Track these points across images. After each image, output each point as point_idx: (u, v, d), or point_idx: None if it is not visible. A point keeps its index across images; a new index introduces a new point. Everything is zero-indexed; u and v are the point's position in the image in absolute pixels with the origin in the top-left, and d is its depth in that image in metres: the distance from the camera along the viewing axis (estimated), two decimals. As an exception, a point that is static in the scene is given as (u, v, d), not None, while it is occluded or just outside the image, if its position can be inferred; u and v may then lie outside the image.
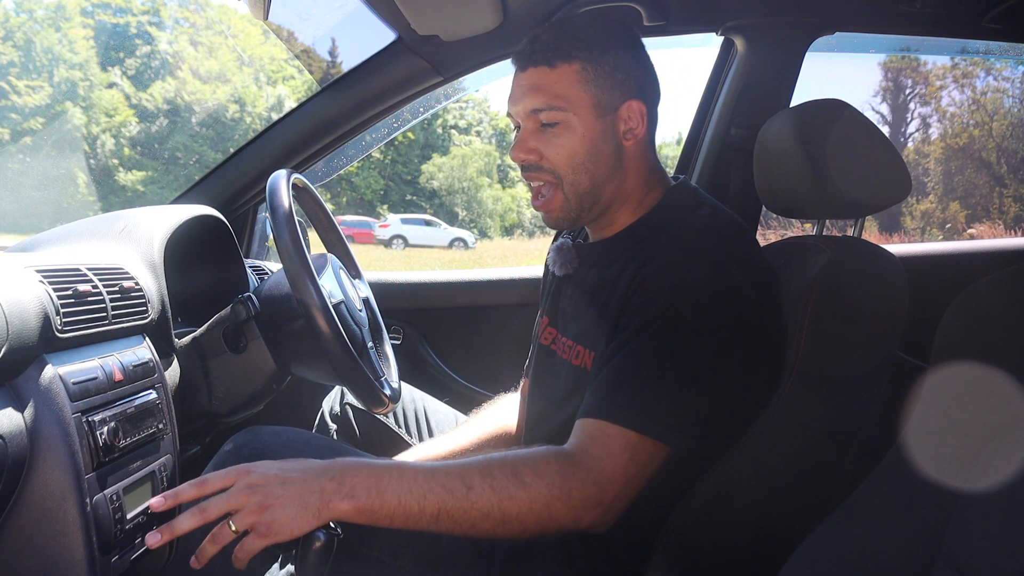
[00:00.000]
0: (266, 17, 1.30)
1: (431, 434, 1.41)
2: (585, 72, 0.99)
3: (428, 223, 18.16)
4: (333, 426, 1.42)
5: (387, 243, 16.65)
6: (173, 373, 1.15)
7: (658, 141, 1.10)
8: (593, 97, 0.99)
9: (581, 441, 0.88)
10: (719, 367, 0.89)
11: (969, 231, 14.63)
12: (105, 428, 0.88)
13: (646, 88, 1.03)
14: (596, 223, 1.09)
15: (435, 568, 0.98)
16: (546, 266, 1.19)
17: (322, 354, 1.06)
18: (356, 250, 1.45)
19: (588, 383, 0.97)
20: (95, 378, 0.90)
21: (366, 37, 1.51)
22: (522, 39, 1.04)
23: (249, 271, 1.48)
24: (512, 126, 1.07)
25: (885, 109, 17.12)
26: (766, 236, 1.12)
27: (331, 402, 1.46)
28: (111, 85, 19.33)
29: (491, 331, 1.84)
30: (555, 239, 1.22)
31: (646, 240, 0.99)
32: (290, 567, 1.09)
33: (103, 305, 0.95)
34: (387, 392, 1.16)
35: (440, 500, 0.82)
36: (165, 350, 1.13)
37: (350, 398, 1.43)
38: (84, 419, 0.86)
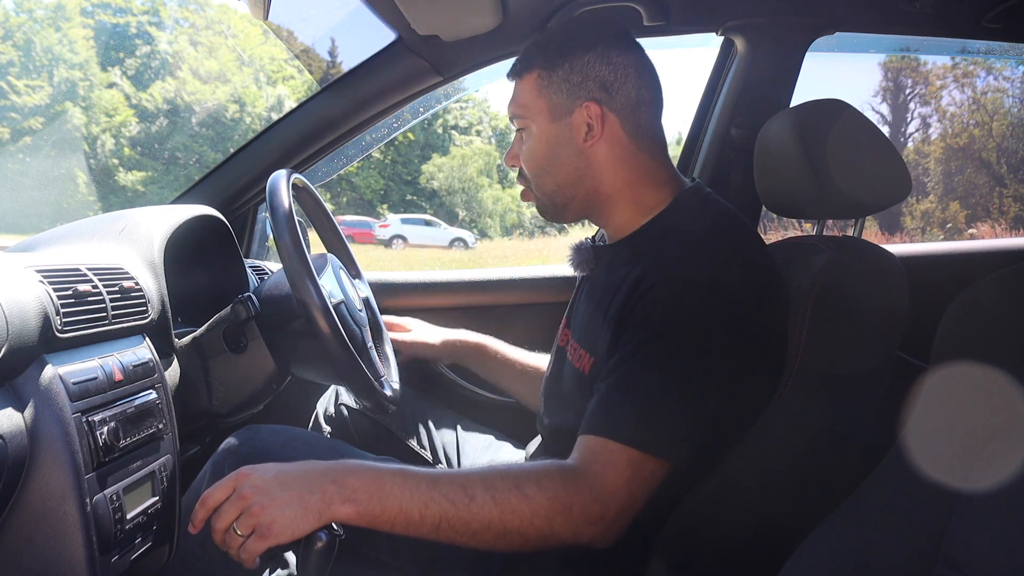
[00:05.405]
0: (266, 17, 1.30)
1: (429, 434, 1.41)
2: (541, 79, 1.02)
3: (428, 223, 18.14)
4: (327, 428, 1.42)
5: (387, 243, 16.63)
6: (173, 373, 1.14)
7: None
8: (548, 102, 1.02)
9: (584, 457, 0.88)
10: (721, 377, 0.89)
11: (970, 231, 14.62)
12: (105, 428, 0.88)
13: (613, 89, 1.00)
14: (600, 223, 1.10)
15: (435, 568, 0.98)
16: None
17: (322, 354, 1.06)
18: (356, 250, 1.45)
19: (583, 386, 0.98)
20: (95, 378, 0.90)
21: (366, 37, 1.51)
22: (522, 39, 1.04)
23: (249, 271, 1.48)
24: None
25: (885, 109, 17.10)
26: (767, 236, 1.12)
27: (326, 403, 1.45)
28: (111, 85, 19.31)
29: (491, 331, 1.83)
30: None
31: (647, 246, 0.99)
32: (290, 568, 1.09)
33: (103, 305, 0.95)
34: (388, 393, 1.16)
35: (442, 509, 0.82)
36: (165, 350, 1.13)
37: (345, 399, 1.43)
38: (84, 419, 0.86)
